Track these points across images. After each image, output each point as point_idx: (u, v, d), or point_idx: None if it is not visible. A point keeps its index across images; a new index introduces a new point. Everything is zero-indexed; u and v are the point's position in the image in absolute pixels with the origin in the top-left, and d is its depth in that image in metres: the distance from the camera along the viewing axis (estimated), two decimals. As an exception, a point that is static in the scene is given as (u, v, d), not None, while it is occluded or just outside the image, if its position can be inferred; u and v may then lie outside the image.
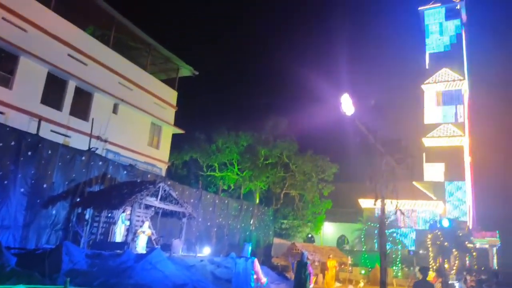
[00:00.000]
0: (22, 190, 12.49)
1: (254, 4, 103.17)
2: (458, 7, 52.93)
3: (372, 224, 35.88)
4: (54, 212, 13.62)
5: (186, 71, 28.08)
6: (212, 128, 34.00)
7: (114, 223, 14.85)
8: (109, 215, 15.19)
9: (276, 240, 31.17)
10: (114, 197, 13.82)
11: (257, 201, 34.26)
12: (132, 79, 23.17)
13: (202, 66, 29.84)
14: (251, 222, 27.51)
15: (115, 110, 22.07)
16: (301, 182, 34.10)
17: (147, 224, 15.15)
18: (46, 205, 13.36)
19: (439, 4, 53.96)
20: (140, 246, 14.09)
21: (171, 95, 27.11)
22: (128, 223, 14.21)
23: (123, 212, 14.52)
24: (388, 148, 9.08)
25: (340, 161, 35.76)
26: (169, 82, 27.66)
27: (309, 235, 39.58)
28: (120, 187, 15.09)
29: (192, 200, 20.71)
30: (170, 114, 26.85)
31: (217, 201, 23.63)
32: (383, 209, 8.96)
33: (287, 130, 35.52)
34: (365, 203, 38.80)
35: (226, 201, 25.05)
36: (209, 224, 22.59)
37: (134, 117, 23.45)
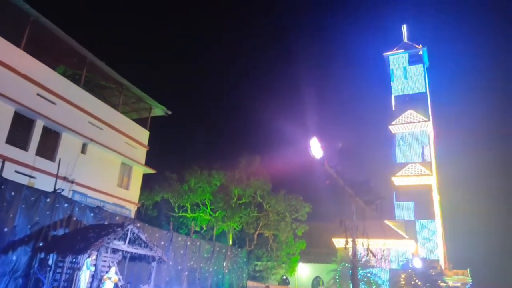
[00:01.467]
0: (-21, 235, 11.72)
1: (227, 47, 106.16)
2: (420, 52, 56.26)
3: (346, 264, 35.57)
4: (14, 258, 12.78)
5: (158, 110, 28.01)
6: (184, 167, 33.61)
7: (79, 269, 14.03)
8: (74, 260, 14.36)
9: (250, 283, 30.26)
10: (80, 241, 13.17)
11: (230, 242, 33.50)
12: (102, 119, 22.84)
13: (175, 106, 29.95)
14: (224, 265, 26.70)
15: (83, 150, 21.51)
16: (275, 222, 33.77)
17: (113, 269, 14.41)
18: (6, 250, 12.54)
19: (402, 50, 57.19)
20: (106, 293, 13.31)
21: (143, 134, 26.82)
22: (93, 268, 13.47)
23: (89, 257, 13.78)
24: (357, 190, 9.23)
25: (313, 201, 35.88)
26: (141, 121, 27.44)
27: (284, 277, 38.72)
28: (86, 230, 14.43)
29: (162, 243, 20.01)
30: (141, 153, 26.42)
31: (188, 243, 22.93)
32: (354, 252, 8.95)
33: (261, 169, 35.54)
34: (339, 243, 38.68)
35: (198, 243, 24.34)
36: (180, 267, 21.75)
37: (103, 157, 22.91)
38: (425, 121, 51.16)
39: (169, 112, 28.43)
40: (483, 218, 60.53)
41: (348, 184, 9.06)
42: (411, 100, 53.30)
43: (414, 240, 43.21)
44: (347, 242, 9.23)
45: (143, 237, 14.90)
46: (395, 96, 54.62)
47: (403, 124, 51.95)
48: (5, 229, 12.56)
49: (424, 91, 54.18)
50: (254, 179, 33.74)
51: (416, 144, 50.81)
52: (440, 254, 45.60)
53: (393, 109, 53.76)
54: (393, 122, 52.32)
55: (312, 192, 36.55)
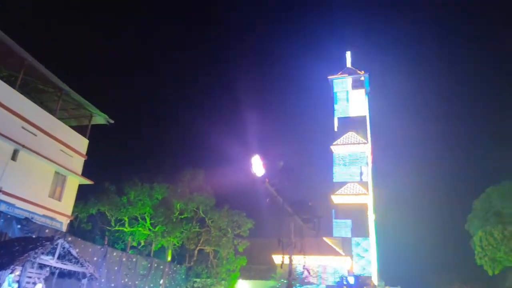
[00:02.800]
0: None
1: (173, 60, 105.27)
2: (362, 78, 59.52)
3: (285, 281, 35.91)
4: None
5: (100, 119, 26.89)
6: (124, 179, 32.23)
7: (-1, 286, 12.90)
8: (-6, 276, 13.18)
9: (188, 301, 29.50)
10: (3, 255, 12.16)
11: (169, 258, 32.52)
12: (37, 124, 21.49)
13: (119, 116, 28.95)
14: (161, 282, 25.86)
15: (14, 156, 20.03)
16: (216, 237, 33.37)
17: (39, 286, 13.41)
18: None
19: (346, 75, 60.17)
20: (29, 313, 12.32)
21: (81, 143, 25.56)
22: (16, 285, 12.45)
23: (12, 272, 12.72)
24: (296, 209, 9.52)
25: (256, 217, 36.01)
26: (80, 129, 26.16)
27: (223, 294, 38.18)
28: (11, 243, 13.36)
29: (95, 259, 19.02)
30: (78, 163, 25.11)
31: (124, 259, 21.98)
32: (290, 270, 9.14)
33: (205, 185, 35.13)
34: (279, 259, 39.05)
35: (134, 259, 23.42)
36: (113, 285, 20.73)
37: (36, 165, 21.47)
38: (364, 143, 53.84)
39: (112, 121, 27.39)
40: (415, 237, 64.31)
41: (288, 203, 9.30)
42: (352, 123, 55.98)
43: (350, 257, 44.75)
44: (283, 261, 9.42)
45: (74, 252, 14.07)
46: (338, 118, 57.03)
47: (344, 145, 54.27)
48: None
49: (365, 114, 57.16)
50: (198, 194, 33.24)
51: (355, 164, 53.20)
52: (373, 271, 47.57)
53: (336, 130, 56.07)
54: (335, 143, 54.49)
55: (255, 209, 36.71)
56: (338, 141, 54.52)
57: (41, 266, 14.06)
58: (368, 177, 53.00)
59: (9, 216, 15.26)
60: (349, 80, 59.45)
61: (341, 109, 57.53)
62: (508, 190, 34.43)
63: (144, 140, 79.07)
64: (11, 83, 20.48)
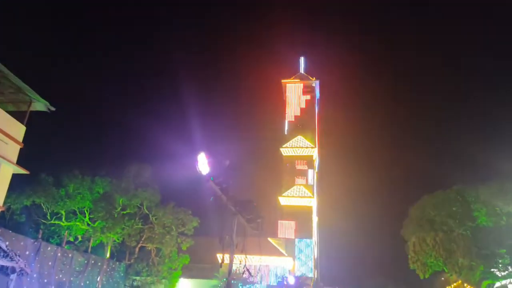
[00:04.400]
0: None
1: (123, 54, 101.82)
2: (313, 84, 61.12)
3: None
4: None
5: (40, 105, 25.17)
6: (63, 171, 30.52)
7: None
8: None
9: (126, 300, 28.53)
10: None
11: (108, 255, 31.27)
12: (-32, 106, 19.74)
13: (61, 104, 27.33)
14: (98, 279, 24.79)
15: None
16: (160, 235, 32.60)
17: (-40, 281, 12.29)
18: None
19: (298, 80, 61.47)
20: None
21: (18, 129, 23.79)
22: None
23: None
24: (240, 208, 9.54)
25: (201, 215, 35.65)
26: (18, 115, 24.36)
27: (163, 293, 37.38)
28: None
29: (27, 252, 17.83)
30: (13, 150, 23.35)
31: (59, 254, 20.82)
32: (230, 269, 9.17)
33: (150, 180, 34.18)
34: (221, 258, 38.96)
35: (70, 255, 22.25)
36: (45, 281, 19.55)
37: (-36, 150, 19.71)
38: (312, 147, 55.26)
39: (53, 109, 25.73)
40: (354, 241, 67.02)
41: (232, 202, 9.30)
42: (302, 127, 57.27)
43: (292, 257, 45.69)
44: (223, 260, 9.43)
45: (3, 245, 13.06)
46: (288, 121, 58.10)
47: (293, 148, 55.36)
48: None
49: (314, 120, 58.73)
50: (142, 190, 32.28)
51: (302, 167, 54.46)
52: (313, 271, 48.92)
53: (286, 133, 57.07)
54: (284, 145, 55.45)
55: (201, 207, 36.39)
56: (287, 144, 55.53)
57: (-36, 260, 12.92)
58: (314, 180, 54.48)
59: None
60: (300, 85, 60.79)
61: (291, 113, 58.70)
62: (441, 199, 36.85)
63: (87, 132, 75.66)
64: None
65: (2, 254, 13.07)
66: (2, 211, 23.88)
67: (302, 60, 64.97)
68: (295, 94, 60.30)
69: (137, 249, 32.68)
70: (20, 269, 13.73)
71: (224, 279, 36.48)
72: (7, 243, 13.74)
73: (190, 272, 38.21)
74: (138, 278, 33.16)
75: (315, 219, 54.55)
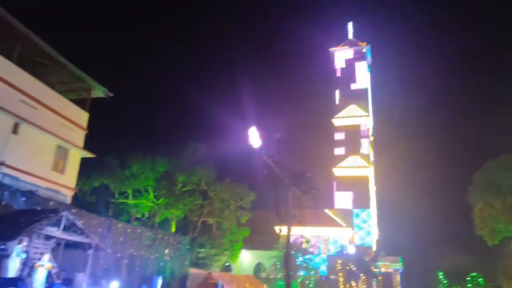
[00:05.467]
0: None
1: (173, 30, 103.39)
2: (364, 50, 58.58)
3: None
4: None
5: (99, 92, 26.60)
6: (126, 153, 32.28)
7: (8, 256, 13.10)
8: (2, 247, 13.39)
9: (192, 270, 30.13)
10: (9, 226, 12.30)
11: (173, 230, 33.02)
12: (37, 98, 21.29)
13: (119, 89, 28.66)
14: (166, 252, 26.33)
15: (15, 130, 19.95)
16: (219, 209, 33.78)
17: (47, 256, 13.62)
18: None
19: (347, 47, 59.21)
20: (38, 281, 12.57)
21: (82, 116, 25.41)
22: (24, 256, 12.65)
23: (19, 243, 12.91)
24: (294, 180, 9.52)
25: (257, 189, 36.28)
26: (80, 102, 25.93)
27: (226, 264, 39.02)
28: (17, 215, 13.51)
29: (100, 230, 19.28)
30: (79, 136, 25.04)
31: (128, 230, 22.29)
32: (288, 239, 9.27)
33: (207, 157, 35.21)
34: (281, 231, 39.61)
35: (139, 231, 23.74)
36: (119, 255, 21.10)
37: (37, 138, 21.42)
38: (366, 116, 53.60)
39: (111, 94, 27.11)
40: (416, 209, 65.01)
41: (285, 174, 9.30)
42: (354, 95, 55.52)
43: (351, 228, 45.42)
44: (280, 231, 9.54)
45: (78, 223, 14.23)
46: (338, 91, 56.55)
47: (345, 117, 54.05)
48: None
49: (366, 87, 56.63)
50: (199, 167, 33.39)
51: (356, 137, 53.16)
52: (373, 241, 48.38)
53: (337, 103, 55.69)
54: (336, 116, 54.29)
55: (256, 181, 36.97)
56: (339, 114, 54.29)
57: (47, 237, 14.25)
58: (369, 149, 53.08)
59: (13, 189, 15.36)
60: (350, 52, 58.56)
61: (342, 81, 56.95)
62: (506, 163, 34.53)
63: (145, 114, 78.88)
64: (8, 57, 20.16)
65: (79, 231, 14.27)
66: (75, 193, 25.91)
67: (350, 25, 62.32)
68: (345, 62, 58.29)
69: (199, 224, 34.15)
70: (95, 245, 14.94)
71: (284, 250, 37.24)
72: (82, 222, 14.96)
73: (250, 244, 39.39)
74: (202, 250, 34.83)
75: (373, 188, 53.47)
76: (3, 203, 14.22)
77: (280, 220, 9.65)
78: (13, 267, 12.83)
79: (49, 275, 13.40)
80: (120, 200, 32.07)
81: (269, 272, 38.43)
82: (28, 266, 12.17)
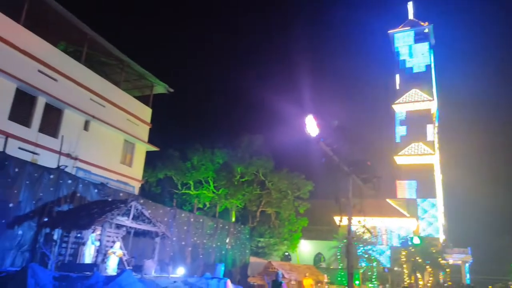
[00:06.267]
0: (-15, 210, 11.86)
1: (227, 24, 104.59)
2: (426, 30, 55.26)
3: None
4: (20, 232, 12.95)
5: (160, 88, 27.85)
6: (186, 145, 33.65)
7: (84, 244, 14.26)
8: (79, 235, 14.59)
9: (253, 259, 30.74)
10: (84, 216, 13.32)
11: (233, 219, 33.88)
12: (104, 96, 22.74)
13: (177, 84, 29.75)
14: (227, 241, 27.05)
15: (86, 127, 21.51)
16: (277, 199, 34.05)
17: (118, 244, 14.63)
18: (12, 225, 12.70)
19: (408, 28, 56.18)
20: (111, 267, 13.54)
21: (145, 112, 26.76)
22: (98, 243, 13.68)
23: (93, 232, 13.99)
24: (354, 168, 9.21)
25: (315, 179, 36.02)
26: (143, 99, 27.33)
27: (286, 253, 39.33)
28: (90, 206, 14.58)
29: (166, 219, 20.21)
30: (144, 131, 26.42)
31: (192, 219, 23.15)
32: (349, 229, 9.03)
33: (263, 148, 35.59)
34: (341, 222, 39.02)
35: (201, 220, 24.57)
36: (183, 243, 22.04)
37: (106, 134, 22.93)
38: (429, 100, 50.75)
39: (171, 90, 28.27)
40: (484, 197, 60.84)
41: (345, 163, 9.02)
42: (416, 79, 52.72)
43: (416, 218, 43.56)
44: (341, 220, 9.30)
45: (146, 213, 15.05)
46: (399, 75, 53.98)
47: (407, 103, 51.58)
48: (10, 205, 12.69)
49: (429, 69, 53.50)
50: (257, 158, 33.84)
51: (419, 123, 50.55)
52: (440, 232, 46.02)
53: (397, 87, 53.24)
54: (397, 101, 51.95)
55: (314, 171, 36.68)
56: (400, 99, 51.88)
57: (118, 226, 15.28)
58: (434, 135, 50.27)
59: (86, 181, 16.56)
60: (411, 33, 55.54)
61: (403, 65, 54.26)
62: None
63: (202, 107, 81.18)
64: (77, 58, 21.69)
65: (146, 220, 15.11)
66: (142, 184, 27.48)
67: (410, 5, 59.01)
68: (406, 44, 55.43)
69: (258, 213, 34.70)
70: (162, 233, 15.75)
71: (344, 241, 36.70)
72: (149, 211, 15.81)
73: (309, 233, 39.33)
74: (262, 239, 35.40)
75: (438, 176, 50.72)
76: (78, 195, 15.41)
77: (340, 209, 9.46)
78: (88, 254, 13.93)
79: (120, 262, 14.40)
80: (183, 191, 33.53)
81: (329, 262, 38.17)
82: (102, 253, 13.12)
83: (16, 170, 12.98)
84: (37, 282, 9.61)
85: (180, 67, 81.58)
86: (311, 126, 8.40)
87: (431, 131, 50.17)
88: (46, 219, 13.76)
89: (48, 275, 10.31)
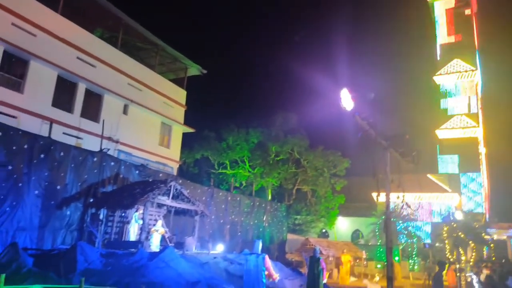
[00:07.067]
0: (36, 192, 12.66)
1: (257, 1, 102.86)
2: (468, -4, 51.97)
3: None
4: (68, 213, 13.79)
5: (194, 70, 28.15)
6: (221, 126, 34.06)
7: (128, 222, 14.97)
8: (123, 214, 15.33)
9: (290, 236, 31.13)
10: (127, 197, 13.93)
11: (269, 197, 34.23)
12: (141, 80, 23.31)
13: (210, 64, 29.92)
14: (264, 219, 27.48)
15: (125, 111, 22.24)
16: (313, 177, 33.98)
17: (160, 222, 15.24)
18: (60, 206, 13.53)
19: (448, -6, 53.05)
20: (154, 244, 14.17)
21: (180, 94, 27.23)
22: (141, 222, 14.31)
23: (136, 211, 14.63)
24: (391, 142, 8.85)
25: (352, 156, 35.52)
26: (177, 81, 27.78)
27: (323, 230, 39.43)
28: (132, 187, 15.20)
29: (204, 198, 20.77)
30: (179, 113, 26.97)
31: (229, 198, 23.66)
32: (388, 204, 8.80)
33: (297, 126, 35.41)
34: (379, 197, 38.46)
35: (238, 198, 25.06)
36: (222, 221, 22.64)
37: (144, 117, 23.61)
38: (472, 70, 48.16)
39: (204, 71, 28.52)
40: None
41: (382, 136, 8.70)
42: (458, 48, 50.03)
43: (458, 193, 42.17)
44: (378, 196, 9.07)
45: (185, 192, 15.51)
46: (440, 45, 51.40)
47: (448, 74, 49.19)
48: (58, 187, 13.48)
49: (473, 37, 50.58)
50: (291, 136, 33.74)
51: (462, 95, 48.26)
52: (484, 207, 44.39)
53: (438, 58, 50.83)
54: (438, 73, 49.64)
55: (350, 147, 36.12)
56: (441, 70, 49.52)
57: (160, 205, 15.88)
58: (478, 108, 47.92)
59: (128, 163, 17.24)
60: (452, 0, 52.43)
61: (443, 34, 51.53)
62: None
63: (235, 87, 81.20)
64: (113, 44, 22.24)
65: (185, 200, 15.59)
66: (180, 165, 28.23)
67: (451, -31, 55.50)
68: (445, 11, 52.48)
69: (294, 191, 34.84)
70: (201, 211, 16.22)
71: (383, 217, 36.23)
72: (187, 191, 16.28)
73: (347, 210, 39.08)
74: (298, 217, 35.63)
75: (482, 150, 48.57)
76: (120, 176, 16.09)
77: (377, 185, 9.23)
78: (132, 232, 14.63)
79: (163, 239, 15.02)
80: (220, 171, 34.15)
81: (367, 239, 37.93)
82: (145, 231, 13.73)
83: (62, 154, 13.70)
84: (86, 258, 10.22)
85: (213, 47, 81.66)
86: (346, 99, 8.19)
87: (475, 102, 47.80)
88: (91, 200, 14.53)
89: (96, 252, 10.95)
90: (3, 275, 6.93)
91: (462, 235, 28.98)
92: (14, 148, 12.06)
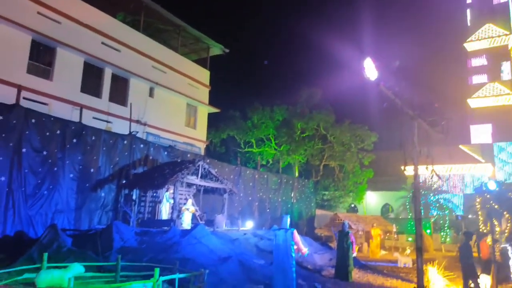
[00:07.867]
0: (71, 175, 13.20)
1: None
2: (501, -46, 48.84)
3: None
4: (102, 194, 14.34)
5: (216, 49, 28.06)
6: (246, 104, 34.03)
7: (160, 202, 15.44)
8: (154, 194, 15.80)
9: (319, 212, 31.24)
10: (157, 177, 14.33)
11: (297, 174, 34.28)
12: (165, 62, 23.49)
13: (232, 43, 29.71)
14: (292, 195, 27.65)
15: (151, 93, 22.58)
16: (340, 153, 33.65)
17: (190, 201, 15.63)
18: (95, 188, 14.08)
19: (479, -47, 50.02)
20: (185, 222, 14.59)
21: (204, 75, 27.30)
22: (172, 201, 14.72)
23: (167, 191, 15.05)
24: (419, 111, 8.44)
25: (379, 129, 34.85)
26: (200, 62, 27.81)
27: (352, 205, 39.32)
28: (162, 167, 15.59)
29: (232, 176, 21.06)
30: (204, 93, 27.12)
31: (256, 176, 23.88)
32: (416, 176, 8.51)
33: (322, 101, 34.87)
34: (408, 170, 37.81)
35: (265, 176, 25.26)
36: (250, 199, 22.95)
37: (170, 99, 23.91)
38: (506, 35, 45.73)
39: (227, 50, 28.39)
40: None
41: (408, 106, 8.31)
42: (490, 12, 47.47)
43: (491, 164, 40.88)
44: (405, 167, 8.74)
45: (213, 171, 15.78)
46: (470, 9, 48.93)
47: (480, 40, 46.96)
48: (91, 170, 13.99)
49: (505, 0, 47.77)
50: (316, 112, 33.33)
51: (495, 61, 46.07)
52: (519, 177, 42.92)
53: (468, 24, 48.49)
54: (468, 39, 47.47)
55: (378, 120, 35.43)
56: (472, 37, 47.33)
57: (189, 185, 16.24)
58: (510, 74, 45.71)
59: (156, 145, 17.63)
60: (484, -41, 49.44)
61: (474, -2, 48.98)
62: None
63: (258, 65, 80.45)
64: (136, 27, 22.40)
65: (214, 178, 15.87)
66: (207, 145, 28.59)
67: None
68: (478, -27, 49.64)
69: (321, 167, 34.70)
70: (229, 189, 16.50)
71: (412, 190, 35.69)
72: (215, 170, 16.55)
73: (375, 185, 38.71)
74: (326, 193, 35.60)
75: (517, 118, 46.57)
76: (150, 157, 16.50)
77: (405, 157, 8.88)
78: (164, 211, 15.09)
79: (193, 217, 15.43)
80: (246, 149, 34.35)
81: (397, 213, 37.59)
82: (176, 210, 14.14)
83: (93, 138, 14.15)
84: (121, 237, 10.66)
85: (234, 25, 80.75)
86: (370, 69, 7.91)
87: (508, 69, 45.60)
88: (124, 181, 15.02)
89: (131, 231, 11.39)
90: (46, 254, 7.36)
91: (496, 206, 28.24)
92: (47, 134, 12.54)
